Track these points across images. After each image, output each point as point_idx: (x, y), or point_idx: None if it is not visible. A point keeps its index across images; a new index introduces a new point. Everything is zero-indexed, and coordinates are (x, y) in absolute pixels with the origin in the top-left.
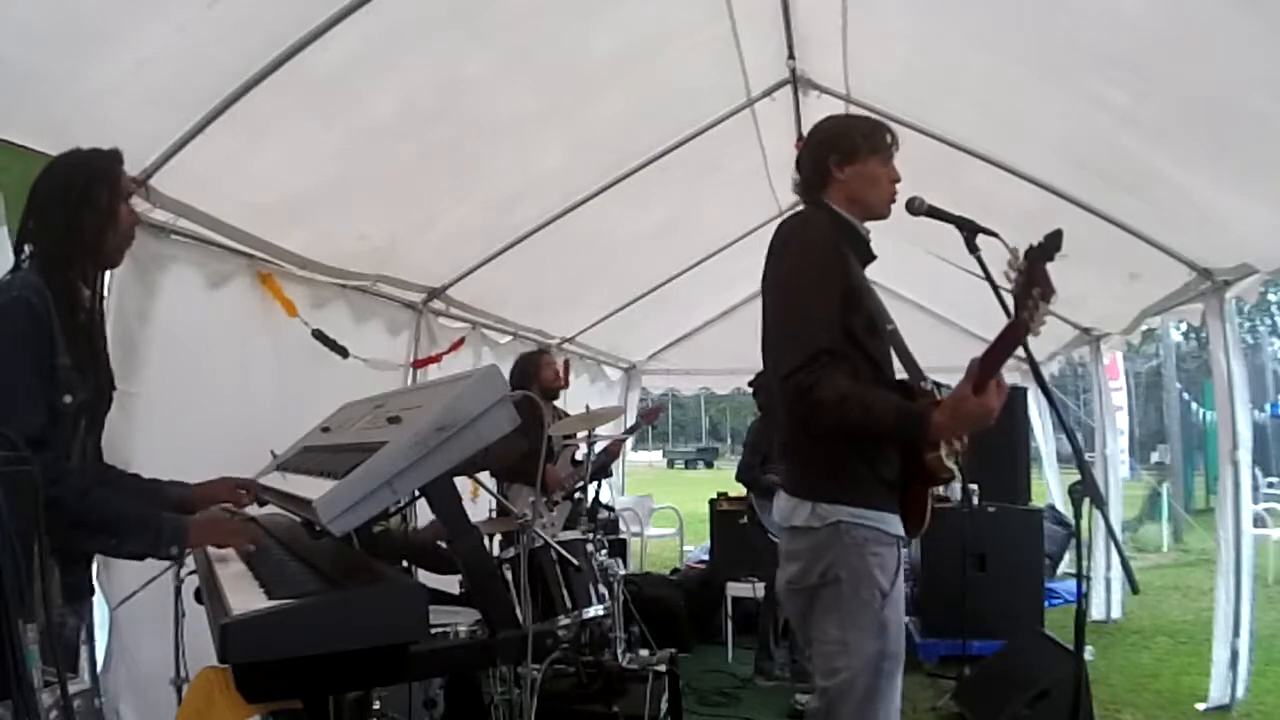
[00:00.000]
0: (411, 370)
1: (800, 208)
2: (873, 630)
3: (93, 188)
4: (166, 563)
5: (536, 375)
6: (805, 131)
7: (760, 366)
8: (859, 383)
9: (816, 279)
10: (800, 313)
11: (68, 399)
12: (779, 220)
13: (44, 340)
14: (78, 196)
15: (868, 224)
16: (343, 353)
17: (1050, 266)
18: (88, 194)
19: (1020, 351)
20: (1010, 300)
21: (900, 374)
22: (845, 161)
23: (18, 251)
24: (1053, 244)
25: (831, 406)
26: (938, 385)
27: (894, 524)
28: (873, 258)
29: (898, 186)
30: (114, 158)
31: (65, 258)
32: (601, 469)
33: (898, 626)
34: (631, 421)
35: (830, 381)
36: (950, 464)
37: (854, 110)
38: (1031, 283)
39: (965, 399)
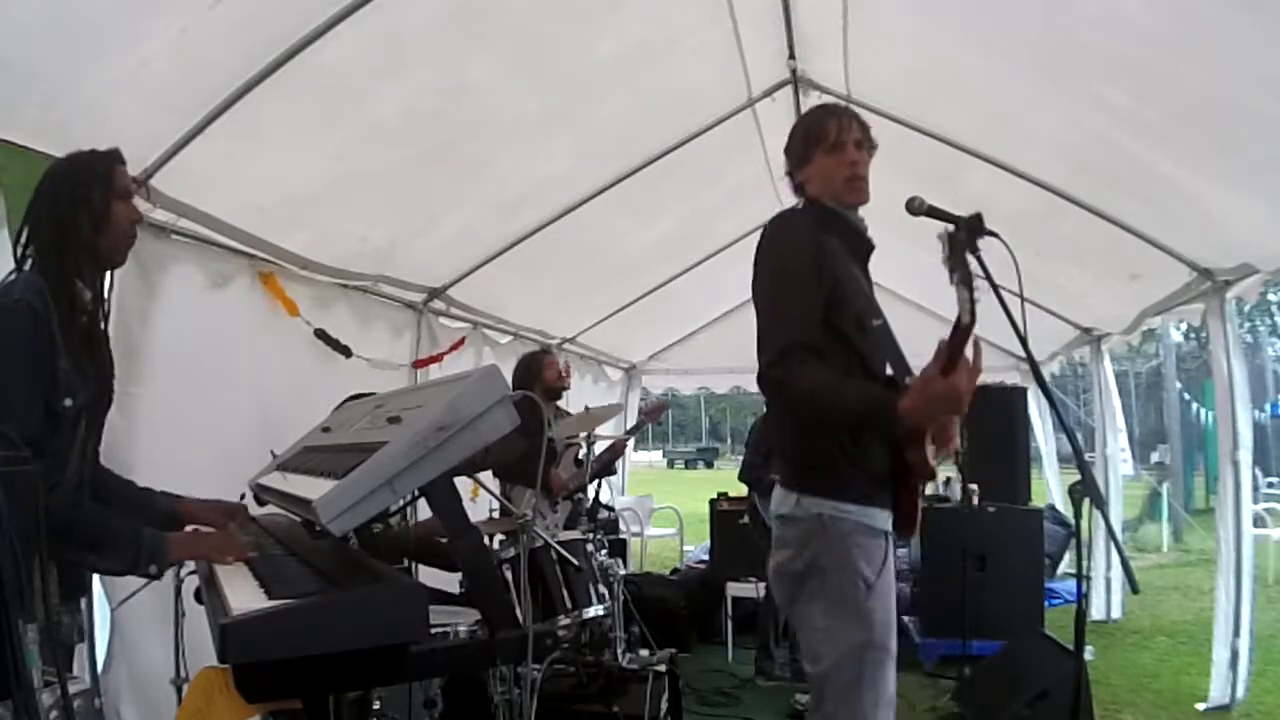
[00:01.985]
0: (414, 370)
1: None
2: (856, 619)
3: (85, 188)
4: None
5: (540, 375)
6: None
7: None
8: (835, 375)
9: (793, 277)
10: (775, 310)
11: (68, 402)
12: None
13: (45, 343)
14: (71, 197)
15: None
16: (346, 352)
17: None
18: (81, 194)
19: (1020, 351)
20: (1010, 299)
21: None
22: (799, 166)
23: (19, 254)
24: (971, 225)
25: (803, 398)
26: None
27: (879, 519)
28: (870, 247)
29: (857, 167)
30: (111, 157)
31: (61, 259)
32: (605, 467)
33: (885, 619)
34: (633, 420)
35: (802, 374)
36: (933, 462)
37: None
38: (953, 267)
39: (932, 380)
